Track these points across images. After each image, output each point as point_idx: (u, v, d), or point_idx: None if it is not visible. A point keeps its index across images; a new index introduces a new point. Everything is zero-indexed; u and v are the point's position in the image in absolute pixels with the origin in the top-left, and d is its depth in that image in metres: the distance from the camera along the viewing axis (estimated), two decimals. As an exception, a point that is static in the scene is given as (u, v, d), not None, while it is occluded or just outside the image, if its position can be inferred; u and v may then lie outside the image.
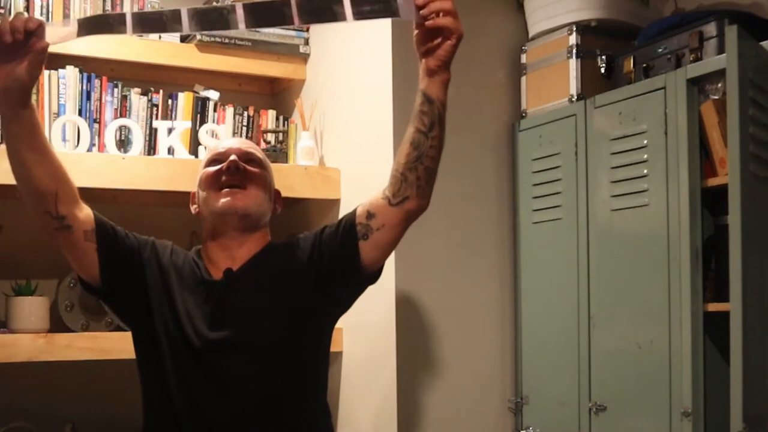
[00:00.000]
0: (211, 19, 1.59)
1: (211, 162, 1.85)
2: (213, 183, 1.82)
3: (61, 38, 1.55)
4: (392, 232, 1.76)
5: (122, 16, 1.59)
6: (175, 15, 1.58)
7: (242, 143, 1.92)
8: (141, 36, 2.70)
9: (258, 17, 1.58)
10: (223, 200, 1.79)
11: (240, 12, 1.56)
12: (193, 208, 1.91)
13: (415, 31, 1.62)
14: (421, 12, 1.58)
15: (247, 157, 1.85)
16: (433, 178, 1.72)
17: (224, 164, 1.81)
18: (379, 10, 1.57)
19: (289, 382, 1.77)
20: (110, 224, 1.78)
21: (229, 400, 1.72)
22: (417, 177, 1.69)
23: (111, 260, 1.75)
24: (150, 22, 1.62)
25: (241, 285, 1.79)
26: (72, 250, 1.73)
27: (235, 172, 1.80)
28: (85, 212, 1.72)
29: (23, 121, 1.58)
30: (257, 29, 1.64)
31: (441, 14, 1.58)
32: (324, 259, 1.80)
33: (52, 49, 2.61)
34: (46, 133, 2.48)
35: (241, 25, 1.57)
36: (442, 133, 1.69)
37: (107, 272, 1.75)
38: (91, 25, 1.58)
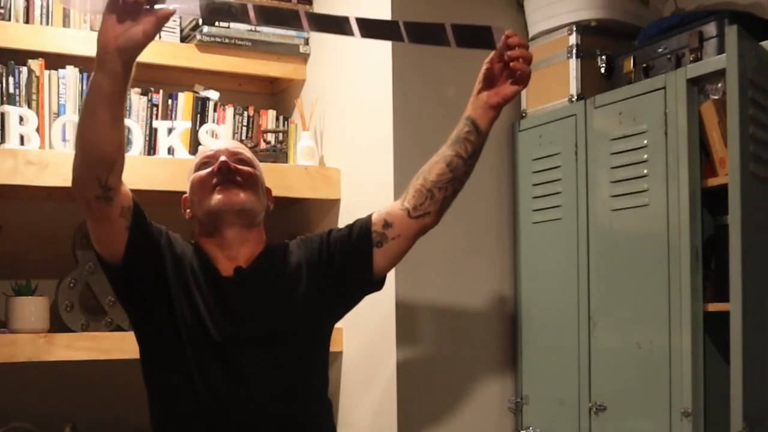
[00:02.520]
0: (323, 23, 1.75)
1: (201, 166, 1.88)
2: (205, 185, 1.84)
3: (186, 11, 1.60)
4: (405, 243, 1.85)
5: (244, 6, 1.64)
6: (293, 14, 1.70)
7: (229, 144, 1.95)
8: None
9: (370, 29, 1.71)
10: (217, 197, 1.82)
11: (353, 22, 1.68)
12: (187, 213, 1.92)
13: (486, 66, 1.77)
14: (509, 53, 1.72)
15: (236, 157, 1.87)
16: (453, 200, 1.85)
17: (215, 166, 1.84)
18: (481, 42, 1.74)
19: (299, 377, 1.81)
20: (143, 208, 1.80)
21: (248, 394, 1.75)
22: (444, 197, 1.82)
23: (139, 241, 1.76)
24: (272, 17, 1.79)
25: (253, 283, 1.82)
26: (102, 222, 1.72)
27: (226, 173, 1.83)
28: (125, 190, 1.74)
29: (120, 83, 1.57)
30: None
31: (521, 60, 1.72)
32: (335, 262, 1.86)
33: (51, 48, 2.61)
34: (46, 134, 2.49)
35: (356, 34, 1.69)
36: (476, 161, 1.83)
37: (132, 252, 1.75)
38: (214, 10, 1.65)
